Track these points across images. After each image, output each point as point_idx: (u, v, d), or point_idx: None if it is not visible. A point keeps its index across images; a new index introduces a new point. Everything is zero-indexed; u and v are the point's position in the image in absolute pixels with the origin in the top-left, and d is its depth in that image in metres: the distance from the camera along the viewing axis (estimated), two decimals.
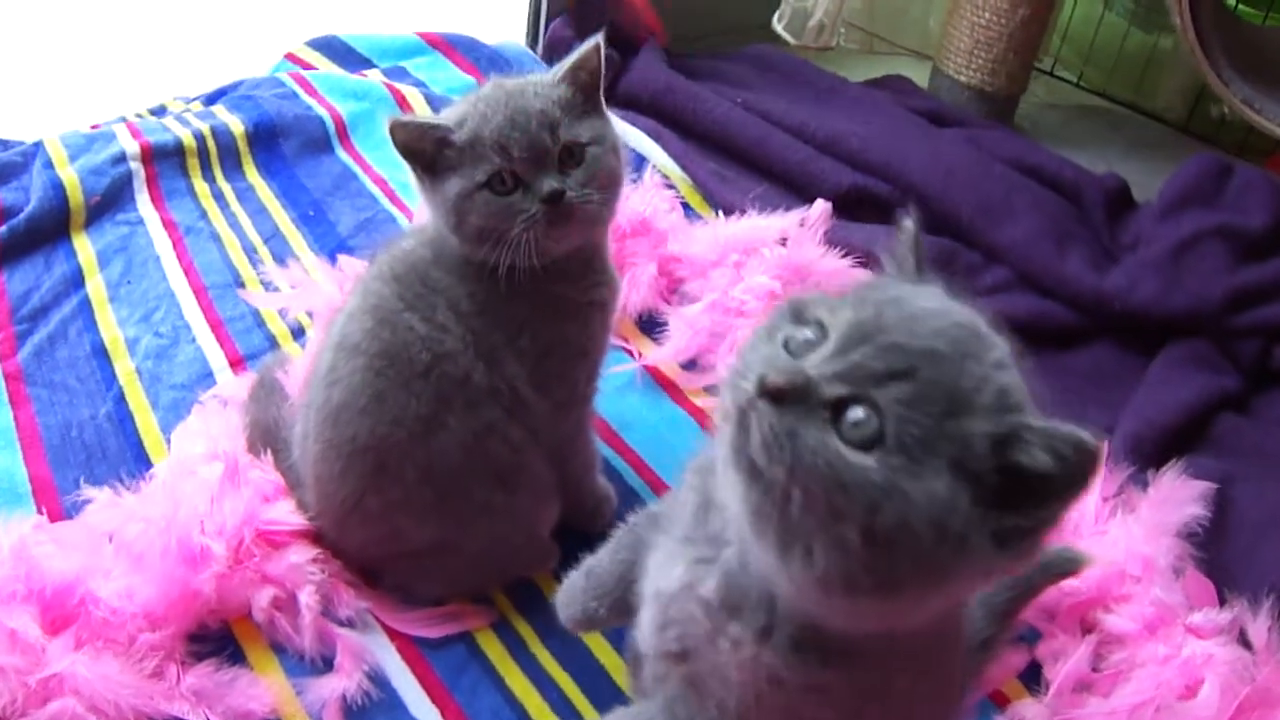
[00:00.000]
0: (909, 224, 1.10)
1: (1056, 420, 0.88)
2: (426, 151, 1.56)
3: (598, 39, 1.62)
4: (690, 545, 1.14)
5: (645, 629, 1.22)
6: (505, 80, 1.61)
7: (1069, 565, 1.67)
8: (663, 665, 1.22)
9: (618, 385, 2.18)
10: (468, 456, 1.60)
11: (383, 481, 1.61)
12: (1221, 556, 1.91)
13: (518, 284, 1.56)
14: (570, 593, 1.48)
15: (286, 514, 1.73)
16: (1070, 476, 0.87)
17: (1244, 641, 1.75)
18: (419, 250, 1.64)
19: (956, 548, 0.87)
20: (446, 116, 1.60)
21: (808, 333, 0.95)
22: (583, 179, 1.55)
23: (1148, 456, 2.07)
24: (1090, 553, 1.71)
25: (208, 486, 1.73)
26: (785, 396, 0.89)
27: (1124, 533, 1.85)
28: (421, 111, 2.78)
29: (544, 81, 1.60)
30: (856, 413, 0.88)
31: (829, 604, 0.96)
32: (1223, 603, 1.80)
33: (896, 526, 0.86)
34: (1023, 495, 0.88)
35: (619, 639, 1.70)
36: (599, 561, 1.45)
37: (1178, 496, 1.90)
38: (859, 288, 1.00)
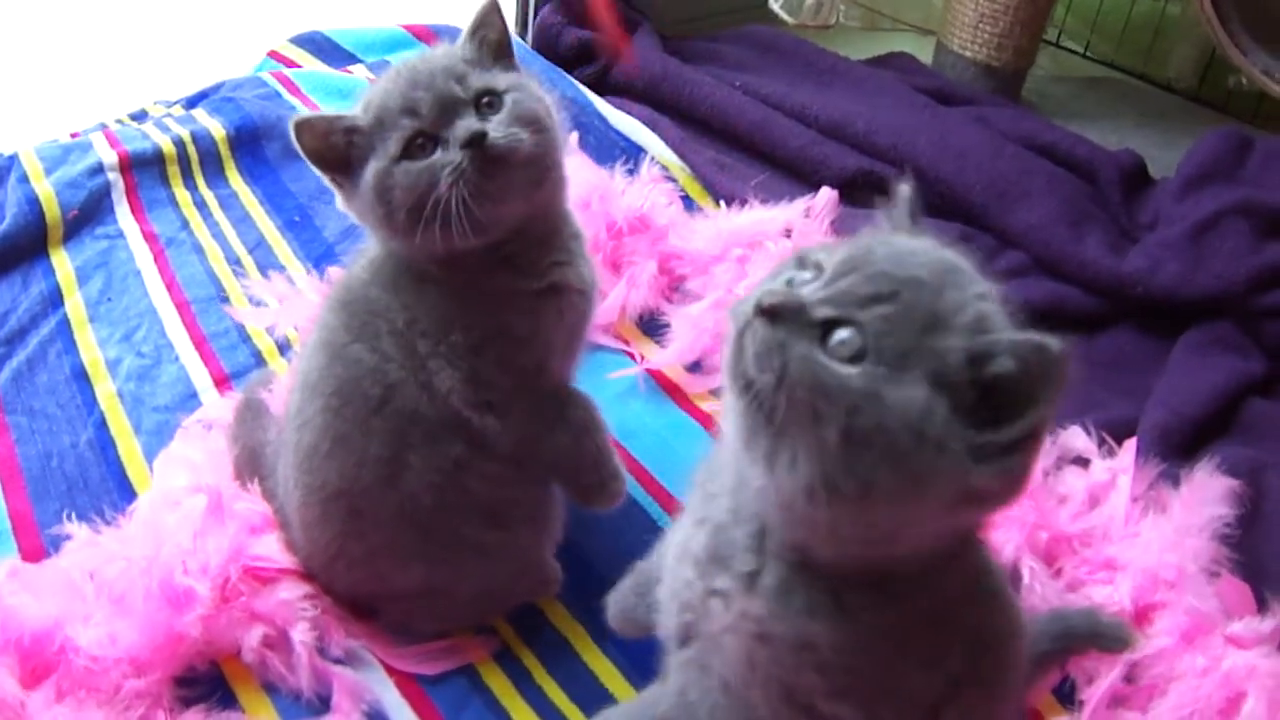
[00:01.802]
0: (905, 188, 1.18)
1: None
2: (338, 148, 1.47)
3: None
4: (690, 514, 1.23)
5: (663, 615, 1.28)
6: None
7: (1116, 641, 1.62)
8: (675, 650, 1.27)
9: (619, 392, 2.09)
10: (443, 497, 1.52)
11: (361, 526, 1.54)
12: (1258, 551, 1.83)
13: (460, 283, 1.49)
14: (619, 591, 1.54)
15: (274, 549, 1.65)
16: (1035, 380, 0.92)
17: None
18: (360, 274, 1.57)
19: (933, 453, 0.93)
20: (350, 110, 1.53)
21: (808, 274, 1.03)
22: (506, 121, 1.44)
23: (1176, 448, 2.00)
24: (1131, 631, 1.64)
25: (190, 521, 1.65)
26: (778, 314, 0.98)
27: (1156, 535, 1.77)
28: None
29: (446, 46, 1.54)
30: (843, 333, 0.96)
31: (813, 515, 1.00)
32: (1263, 605, 1.71)
33: (874, 428, 0.93)
34: (999, 409, 0.93)
35: (629, 667, 1.65)
36: (647, 561, 1.47)
37: (1210, 495, 1.81)
38: (856, 235, 1.07)
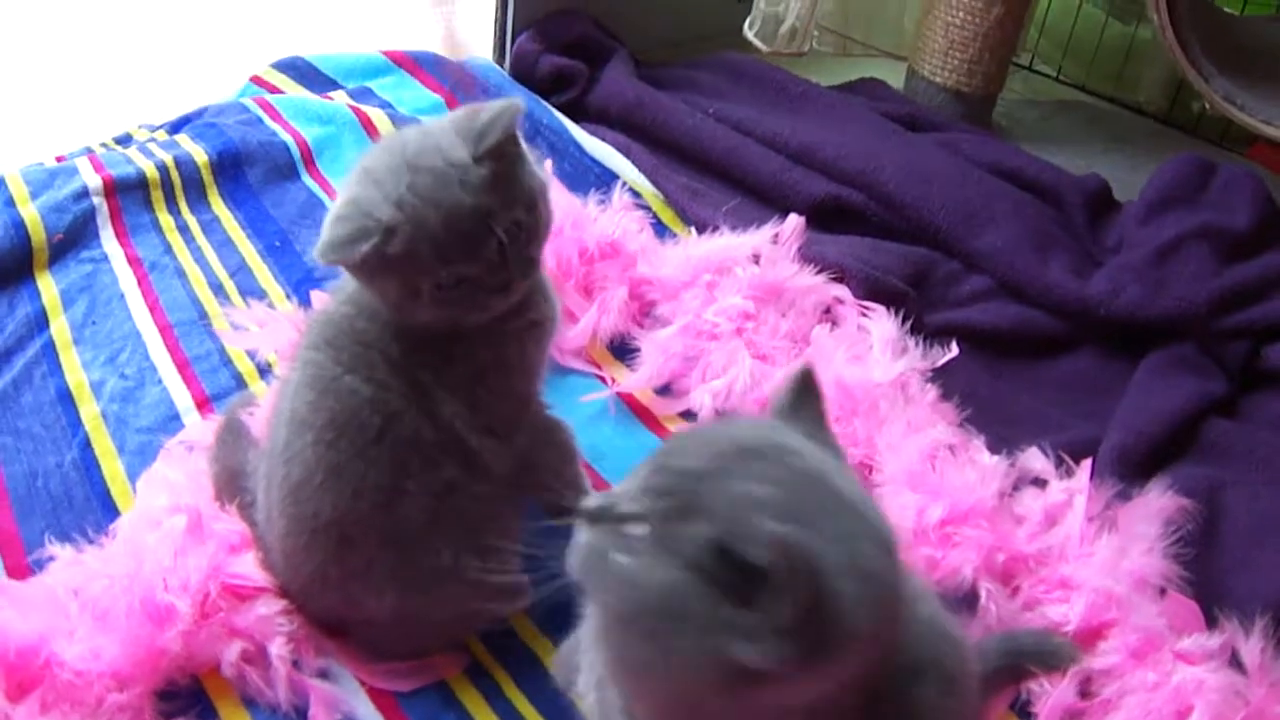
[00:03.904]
0: (798, 377, 1.17)
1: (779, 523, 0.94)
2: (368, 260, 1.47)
3: (516, 103, 1.52)
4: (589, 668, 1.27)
5: None
6: (415, 152, 1.48)
7: (1060, 659, 1.67)
8: None
9: (590, 414, 2.13)
10: (434, 518, 1.56)
11: (346, 552, 1.56)
12: (1214, 569, 1.89)
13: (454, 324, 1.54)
14: (563, 657, 1.57)
15: (253, 567, 1.68)
16: (781, 572, 0.91)
17: (1237, 662, 1.71)
18: (343, 309, 1.59)
19: (696, 634, 0.96)
20: (366, 212, 1.46)
21: (676, 441, 1.09)
22: (524, 247, 1.51)
23: (1137, 468, 2.05)
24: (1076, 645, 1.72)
25: (171, 540, 1.68)
26: (595, 518, 1.04)
27: (1108, 555, 1.81)
28: (387, 133, 2.74)
29: (466, 162, 1.47)
30: (635, 527, 1.00)
31: (622, 685, 1.12)
32: (1214, 620, 1.77)
33: (631, 610, 1.00)
34: (760, 594, 0.93)
35: None
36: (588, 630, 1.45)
37: (1161, 513, 1.87)
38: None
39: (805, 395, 1.15)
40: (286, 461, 1.57)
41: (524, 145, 1.57)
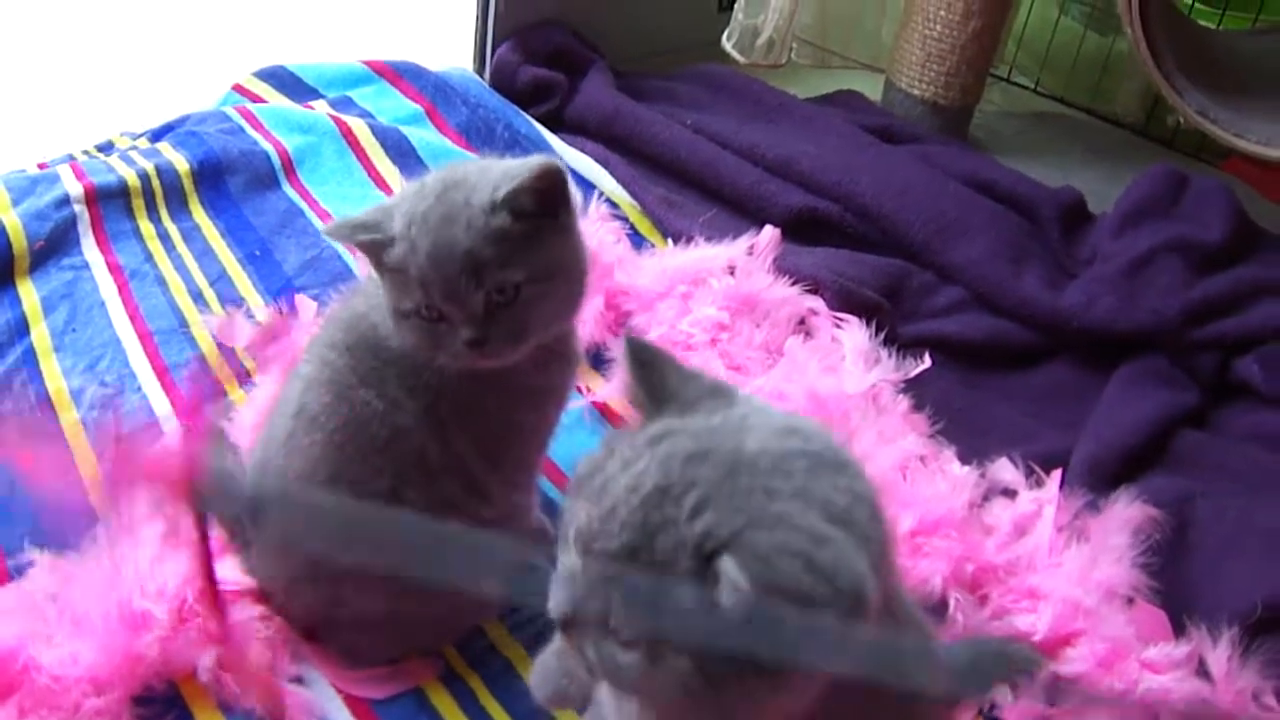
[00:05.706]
0: (627, 342, 1.09)
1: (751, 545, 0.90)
2: (369, 248, 1.49)
3: (554, 161, 1.44)
4: None
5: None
6: (449, 184, 1.47)
7: (1024, 664, 1.68)
8: None
9: (566, 424, 2.06)
10: None
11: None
12: (1182, 578, 1.90)
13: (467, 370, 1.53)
14: (543, 672, 1.52)
15: (229, 573, 1.69)
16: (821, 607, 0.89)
17: (1204, 671, 1.73)
18: (370, 317, 1.57)
19: (737, 679, 0.92)
20: (390, 214, 1.48)
21: (581, 514, 0.98)
22: (512, 320, 1.46)
23: (1107, 478, 2.07)
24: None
25: (148, 547, 1.70)
26: (569, 626, 0.99)
27: (1076, 565, 1.83)
28: (367, 143, 2.78)
29: (481, 206, 1.43)
30: (613, 619, 0.95)
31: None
32: (1181, 630, 1.79)
33: (676, 699, 0.95)
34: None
35: None
36: None
37: (1129, 523, 1.89)
38: (595, 456, 1.03)
39: (648, 366, 1.06)
40: (288, 454, 1.57)
41: (573, 218, 1.55)
